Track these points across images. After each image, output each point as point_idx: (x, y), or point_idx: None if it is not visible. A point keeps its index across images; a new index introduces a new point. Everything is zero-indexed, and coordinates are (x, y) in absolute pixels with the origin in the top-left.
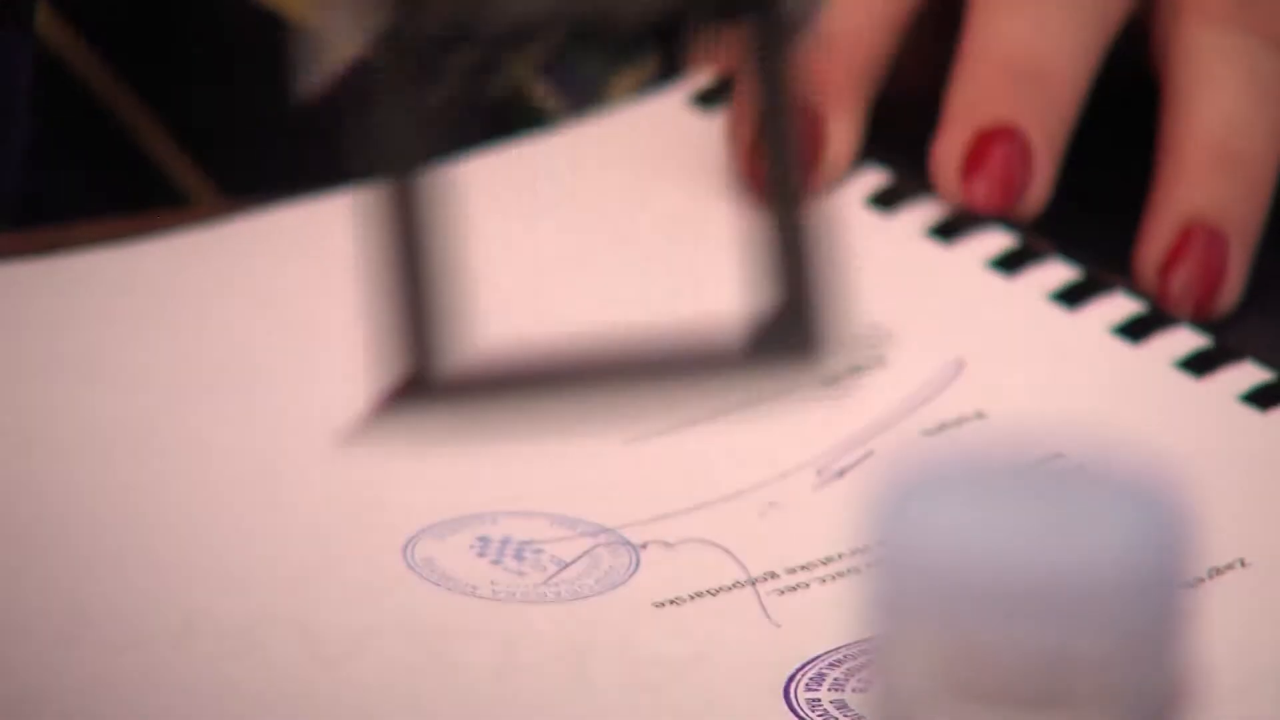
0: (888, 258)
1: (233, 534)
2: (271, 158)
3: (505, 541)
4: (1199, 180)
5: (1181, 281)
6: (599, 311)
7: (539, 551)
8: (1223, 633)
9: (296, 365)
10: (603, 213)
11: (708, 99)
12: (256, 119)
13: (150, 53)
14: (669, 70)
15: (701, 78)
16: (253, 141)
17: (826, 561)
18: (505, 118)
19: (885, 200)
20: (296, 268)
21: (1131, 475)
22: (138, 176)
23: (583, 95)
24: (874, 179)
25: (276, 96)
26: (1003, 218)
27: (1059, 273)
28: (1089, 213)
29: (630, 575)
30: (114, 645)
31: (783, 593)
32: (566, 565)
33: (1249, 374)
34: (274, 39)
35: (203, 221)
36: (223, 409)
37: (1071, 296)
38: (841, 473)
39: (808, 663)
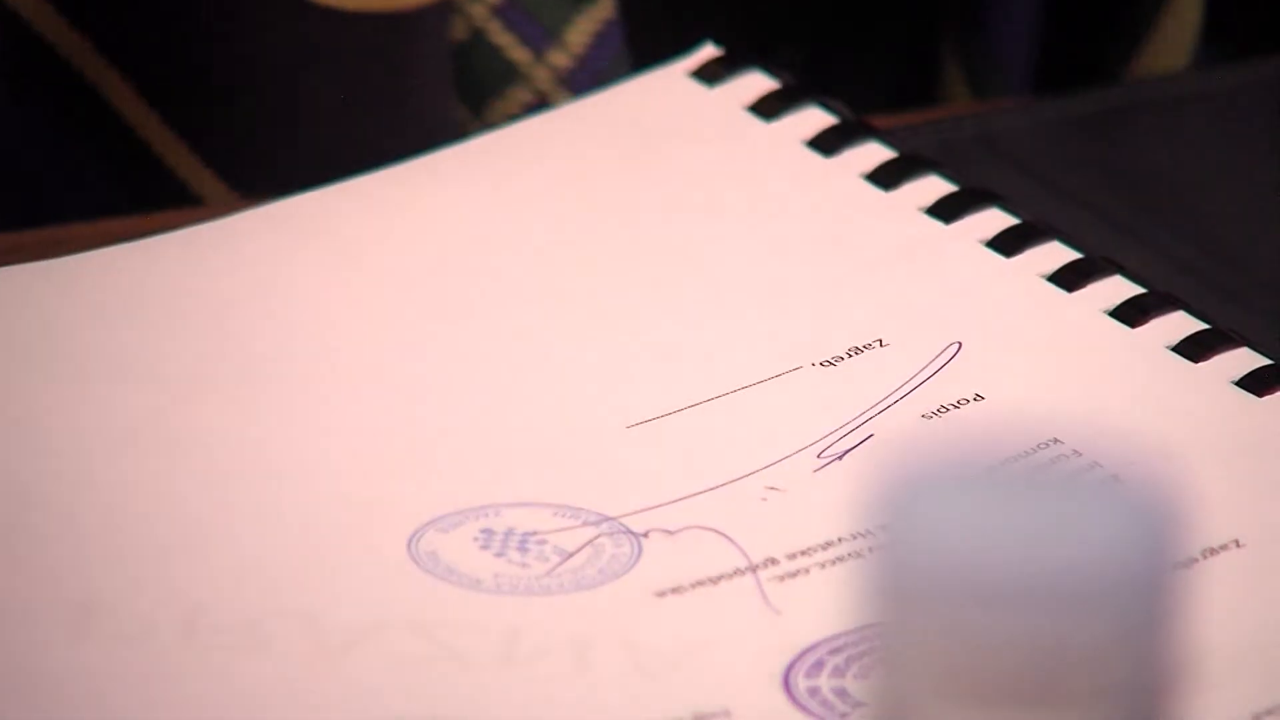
0: (886, 236)
1: (239, 527)
2: (287, 156)
3: (509, 534)
4: None
5: None
6: (601, 290)
7: (542, 543)
8: (1217, 612)
9: (302, 358)
10: (603, 190)
11: (709, 75)
12: (273, 118)
13: (155, 50)
14: (626, 14)
15: (704, 53)
16: (267, 142)
17: (826, 546)
18: (467, 60)
19: (883, 178)
20: (302, 260)
21: (1127, 459)
22: (148, 178)
23: (538, 38)
24: (874, 154)
25: (296, 91)
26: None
27: (1057, 254)
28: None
29: (632, 564)
30: (121, 638)
31: (783, 579)
32: (569, 556)
33: (1244, 359)
34: (302, 31)
35: (212, 218)
36: (229, 403)
37: (1069, 278)
38: (842, 456)
39: (807, 650)
